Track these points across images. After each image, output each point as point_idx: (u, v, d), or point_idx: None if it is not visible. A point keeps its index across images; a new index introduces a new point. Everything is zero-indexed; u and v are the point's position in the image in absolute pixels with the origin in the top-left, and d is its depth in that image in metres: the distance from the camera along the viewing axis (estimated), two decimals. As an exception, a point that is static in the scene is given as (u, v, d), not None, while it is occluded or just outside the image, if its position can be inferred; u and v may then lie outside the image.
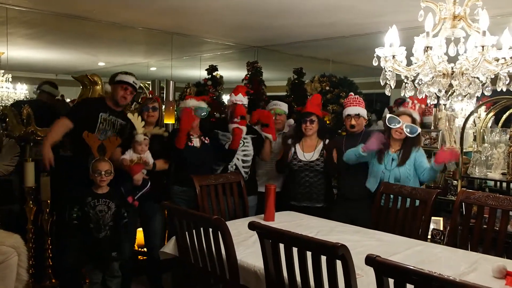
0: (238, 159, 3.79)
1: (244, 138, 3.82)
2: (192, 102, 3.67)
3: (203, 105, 3.72)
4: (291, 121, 4.27)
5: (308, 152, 3.78)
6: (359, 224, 3.16)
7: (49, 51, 6.79)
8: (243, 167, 3.81)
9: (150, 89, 5.89)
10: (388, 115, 3.44)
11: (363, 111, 3.74)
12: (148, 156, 3.40)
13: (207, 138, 3.71)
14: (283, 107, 4.13)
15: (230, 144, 3.68)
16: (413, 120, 3.41)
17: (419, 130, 3.36)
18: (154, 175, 3.45)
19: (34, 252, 3.61)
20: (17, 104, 4.72)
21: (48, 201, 3.63)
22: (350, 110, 3.72)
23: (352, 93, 3.93)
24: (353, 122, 3.69)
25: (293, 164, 3.76)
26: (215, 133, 3.87)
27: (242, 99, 3.82)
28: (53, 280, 3.73)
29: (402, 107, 3.87)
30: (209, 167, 3.76)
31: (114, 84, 3.56)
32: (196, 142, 3.64)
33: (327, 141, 3.81)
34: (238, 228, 2.81)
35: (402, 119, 3.37)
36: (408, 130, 3.33)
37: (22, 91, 8.01)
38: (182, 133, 3.50)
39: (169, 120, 4.51)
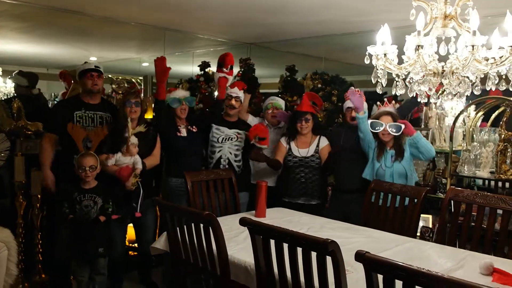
0: (231, 153, 3.85)
1: (238, 133, 3.89)
2: (181, 93, 3.84)
3: (189, 95, 3.94)
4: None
5: (303, 148, 3.82)
6: (353, 217, 3.20)
7: (41, 45, 6.72)
8: (235, 161, 3.85)
9: (143, 84, 5.87)
10: (369, 121, 3.52)
11: (364, 104, 3.78)
12: (137, 158, 3.39)
13: (194, 126, 3.83)
14: (281, 102, 4.26)
15: (217, 95, 3.92)
16: (394, 118, 3.48)
17: (403, 126, 3.41)
18: (143, 171, 3.44)
19: (24, 247, 3.59)
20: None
21: (39, 195, 3.61)
22: (351, 102, 3.77)
23: (352, 87, 4.01)
24: (354, 114, 3.73)
25: (288, 160, 3.80)
26: (209, 126, 3.92)
27: (237, 92, 3.91)
28: (43, 275, 3.71)
29: (378, 108, 3.94)
30: (199, 155, 3.89)
31: (80, 79, 3.58)
32: (183, 132, 3.76)
33: (323, 138, 3.85)
34: (229, 224, 2.82)
35: (383, 120, 3.47)
36: (393, 129, 3.41)
37: (12, 85, 7.93)
38: (161, 84, 3.69)
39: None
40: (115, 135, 3.41)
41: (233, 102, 3.87)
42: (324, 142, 3.83)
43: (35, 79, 4.91)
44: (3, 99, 6.32)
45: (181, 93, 3.84)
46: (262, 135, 3.77)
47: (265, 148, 3.83)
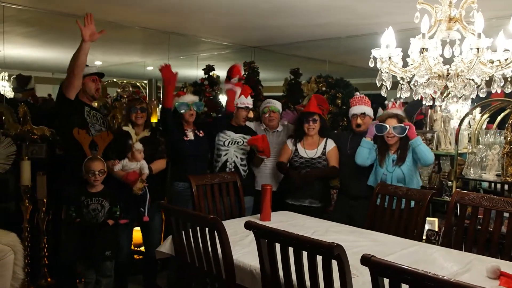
0: (237, 156, 3.87)
1: (244, 138, 3.89)
2: (189, 97, 3.83)
3: (197, 100, 3.92)
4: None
5: (310, 149, 3.81)
6: (359, 222, 3.18)
7: (46, 50, 6.76)
8: (241, 164, 3.86)
9: (147, 88, 5.88)
10: (374, 125, 3.48)
11: (369, 110, 3.77)
12: (143, 163, 3.41)
13: (201, 131, 3.82)
14: (277, 105, 4.18)
15: (226, 107, 3.91)
16: (400, 120, 3.43)
17: (408, 127, 3.38)
18: (150, 175, 3.46)
19: (30, 251, 3.60)
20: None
21: (44, 199, 3.62)
22: (356, 109, 3.76)
23: (357, 93, 3.96)
24: (359, 121, 3.73)
25: (294, 160, 3.79)
26: (215, 133, 3.92)
27: (248, 102, 3.93)
28: (49, 279, 3.73)
29: (386, 109, 3.90)
30: (205, 159, 3.88)
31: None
32: (190, 136, 3.74)
33: (329, 140, 3.83)
34: (235, 228, 2.82)
35: (389, 123, 3.41)
36: (397, 131, 3.37)
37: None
38: (168, 92, 3.62)
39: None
40: (120, 142, 3.42)
41: (250, 114, 3.97)
42: (331, 144, 3.82)
43: (25, 80, 5.00)
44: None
45: (189, 97, 3.82)
46: (259, 149, 3.74)
47: (264, 158, 3.85)
